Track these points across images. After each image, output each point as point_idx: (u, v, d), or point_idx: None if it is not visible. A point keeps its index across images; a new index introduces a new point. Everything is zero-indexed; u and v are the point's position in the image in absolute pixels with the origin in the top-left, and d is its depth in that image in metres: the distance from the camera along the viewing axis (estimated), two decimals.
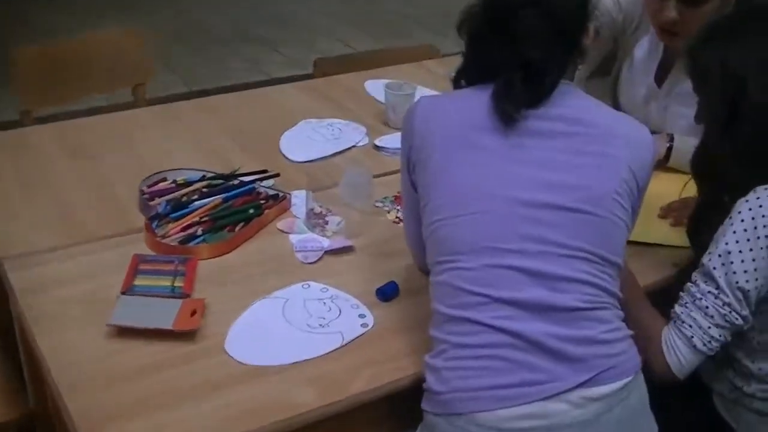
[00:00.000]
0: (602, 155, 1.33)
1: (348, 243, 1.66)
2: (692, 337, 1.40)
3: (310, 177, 1.84)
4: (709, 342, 1.40)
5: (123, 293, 1.47)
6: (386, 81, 2.28)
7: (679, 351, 1.41)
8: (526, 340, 1.24)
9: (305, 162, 2.00)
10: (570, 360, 1.24)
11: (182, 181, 1.82)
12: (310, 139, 2.11)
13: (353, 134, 2.14)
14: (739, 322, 1.40)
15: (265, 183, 1.83)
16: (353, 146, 2.09)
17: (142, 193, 1.77)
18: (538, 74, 1.33)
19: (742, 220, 1.40)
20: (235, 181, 1.81)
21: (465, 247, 1.29)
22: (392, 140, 2.09)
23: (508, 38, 1.34)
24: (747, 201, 1.42)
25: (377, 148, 2.08)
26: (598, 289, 1.29)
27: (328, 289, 1.54)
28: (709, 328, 1.40)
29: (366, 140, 2.12)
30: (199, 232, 1.64)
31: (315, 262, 1.62)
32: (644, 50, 2.17)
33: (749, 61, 1.45)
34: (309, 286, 1.55)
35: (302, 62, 4.68)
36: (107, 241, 1.65)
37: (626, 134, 1.36)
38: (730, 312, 1.39)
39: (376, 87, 2.43)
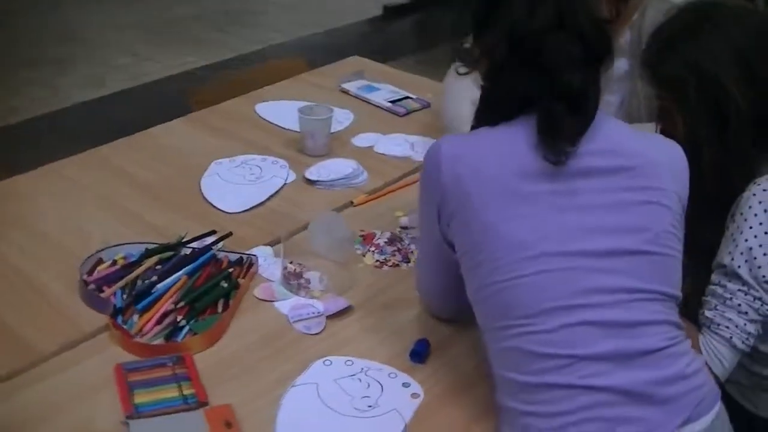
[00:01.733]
0: (651, 189, 1.23)
1: (345, 303, 1.49)
2: (731, 337, 1.38)
3: (285, 239, 1.63)
4: (747, 338, 1.39)
5: (129, 418, 1.22)
6: (277, 102, 2.14)
7: (720, 354, 1.39)
8: (618, 392, 1.14)
9: (243, 212, 1.78)
10: (663, 402, 1.16)
11: (121, 259, 1.56)
12: (231, 183, 1.89)
13: (275, 170, 1.94)
14: None
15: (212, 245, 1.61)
16: (284, 184, 1.89)
17: (86, 283, 1.49)
18: (580, 103, 1.21)
19: (756, 215, 1.40)
20: (185, 250, 1.57)
21: (533, 309, 1.16)
22: (323, 170, 1.92)
23: (539, 67, 1.21)
24: (754, 195, 1.41)
25: (310, 182, 1.90)
26: (671, 325, 1.21)
27: (353, 362, 1.37)
28: (746, 324, 1.38)
29: (292, 175, 1.92)
30: (183, 322, 1.40)
31: (321, 332, 1.43)
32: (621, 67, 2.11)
33: (718, 58, 1.44)
34: (331, 362, 1.37)
35: (98, 79, 4.35)
36: (70, 355, 1.37)
37: (668, 161, 1.27)
38: (762, 305, 1.39)
39: (268, 110, 2.25)
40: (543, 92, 1.20)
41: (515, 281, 1.17)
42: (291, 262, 1.56)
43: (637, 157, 1.24)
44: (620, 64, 1.94)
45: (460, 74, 1.44)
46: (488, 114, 1.28)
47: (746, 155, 1.46)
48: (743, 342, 1.38)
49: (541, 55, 1.20)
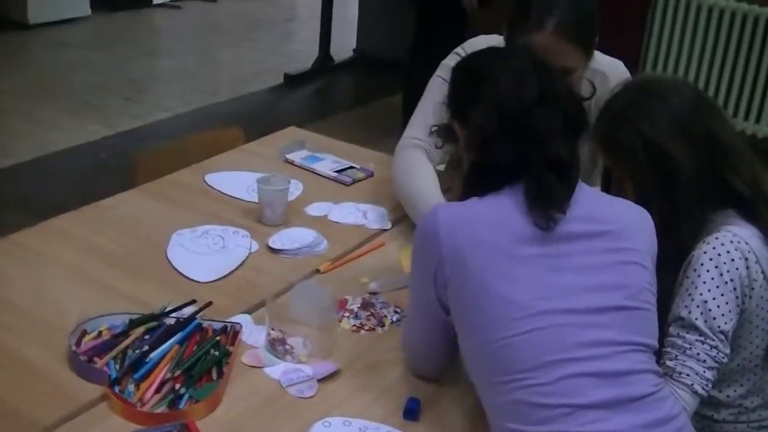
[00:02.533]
0: (628, 250, 1.38)
1: (333, 366, 1.56)
2: (692, 384, 1.51)
3: (269, 307, 1.69)
4: (707, 385, 1.53)
5: None
6: (227, 173, 2.20)
7: (683, 401, 1.51)
8: None
9: (214, 281, 1.83)
10: None
11: (106, 330, 1.59)
12: (197, 253, 1.93)
13: (238, 240, 2.00)
14: (725, 359, 1.55)
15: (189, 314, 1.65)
16: (249, 253, 1.95)
17: (76, 354, 1.51)
18: (568, 173, 1.35)
19: (708, 270, 1.55)
20: (169, 320, 1.62)
21: (531, 364, 1.28)
22: (285, 239, 1.99)
23: (527, 139, 1.34)
24: (705, 252, 1.57)
25: (273, 250, 1.96)
26: (653, 373, 1.35)
27: (350, 422, 1.44)
28: (704, 372, 1.52)
29: (255, 244, 1.99)
30: (182, 390, 1.44)
31: (314, 395, 1.50)
32: None
33: (660, 125, 1.63)
34: (330, 424, 1.43)
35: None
36: (70, 427, 1.39)
37: (639, 224, 1.44)
38: (718, 353, 1.53)
39: (219, 181, 2.30)
40: (533, 162, 1.33)
41: (512, 339, 1.28)
42: (273, 329, 1.62)
43: (613, 222, 1.39)
44: None
45: (438, 147, 1.57)
46: (478, 184, 1.39)
47: (693, 214, 1.62)
48: (703, 388, 1.52)
49: (529, 127, 1.34)
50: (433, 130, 1.64)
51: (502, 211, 1.35)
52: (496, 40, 2.21)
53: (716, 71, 4.89)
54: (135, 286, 1.77)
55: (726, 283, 1.56)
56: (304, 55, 6.40)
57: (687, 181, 1.62)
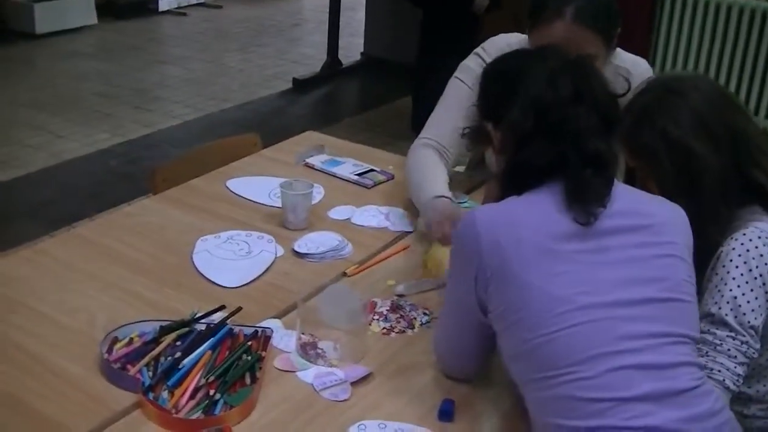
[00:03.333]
0: (666, 244, 1.38)
1: (365, 370, 1.56)
2: (724, 380, 1.51)
3: (299, 311, 1.68)
4: (737, 380, 1.52)
5: None
6: (248, 178, 2.19)
7: None
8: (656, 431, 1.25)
9: (241, 286, 1.83)
10: None
11: (136, 338, 1.59)
12: (223, 259, 1.93)
13: (263, 245, 2.00)
14: (756, 354, 1.55)
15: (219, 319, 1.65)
16: (275, 258, 1.94)
17: (108, 362, 1.51)
18: (605, 168, 1.35)
19: (737, 266, 1.55)
20: (199, 326, 1.61)
21: (575, 358, 1.28)
22: (311, 243, 1.99)
23: (564, 136, 1.34)
24: (733, 249, 1.57)
25: (299, 255, 1.96)
26: (696, 366, 1.34)
27: (386, 425, 1.43)
28: (735, 367, 1.52)
29: (280, 249, 1.98)
30: (217, 395, 1.44)
31: (348, 398, 1.49)
32: None
33: (682, 123, 1.63)
34: (365, 427, 1.43)
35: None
36: None
37: (674, 219, 1.44)
38: (749, 348, 1.53)
39: (241, 186, 2.30)
40: (570, 159, 1.33)
41: (556, 334, 1.28)
42: (303, 333, 1.62)
43: (651, 216, 1.39)
44: None
45: (468, 150, 1.57)
46: (515, 184, 1.40)
47: (719, 211, 1.62)
48: (734, 383, 1.51)
49: (566, 124, 1.34)
50: (464, 132, 1.64)
51: (541, 208, 1.35)
52: (516, 38, 2.21)
53: (725, 68, 4.89)
54: (162, 294, 1.77)
55: (755, 278, 1.56)
56: (312, 59, 6.41)
57: (712, 180, 1.61)
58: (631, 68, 2.10)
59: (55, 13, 6.82)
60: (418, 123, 5.08)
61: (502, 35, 2.26)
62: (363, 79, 6.42)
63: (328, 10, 6.09)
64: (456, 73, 2.27)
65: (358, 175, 2.39)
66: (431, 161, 2.16)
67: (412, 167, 2.17)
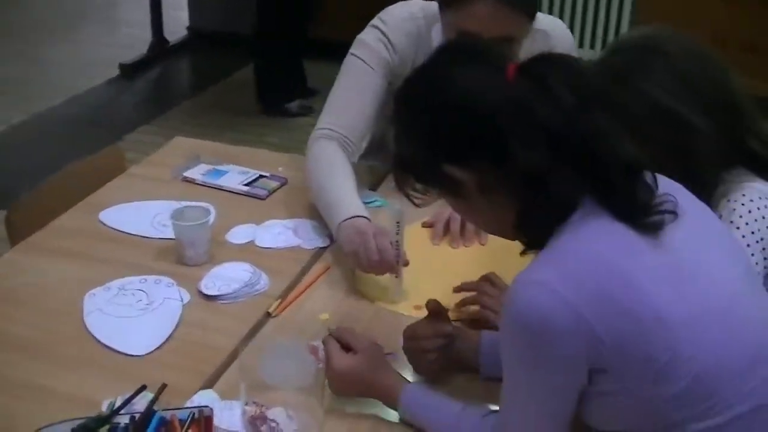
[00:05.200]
0: (720, 232, 1.28)
1: None
2: None
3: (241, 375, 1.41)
4: None
5: None
6: (124, 206, 1.92)
7: None
8: None
9: (152, 352, 1.54)
10: None
11: None
12: (119, 318, 1.63)
13: (163, 291, 1.71)
14: None
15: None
16: (182, 307, 1.66)
17: None
18: (640, 166, 1.16)
19: (738, 228, 1.45)
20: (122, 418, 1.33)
21: (726, 375, 1.12)
22: (218, 281, 1.72)
23: (586, 156, 1.13)
24: (734, 210, 1.46)
25: (209, 297, 1.68)
26: None
27: None
28: None
29: (185, 293, 1.70)
30: None
31: None
32: None
33: (668, 88, 1.45)
34: None
35: None
36: None
37: (703, 205, 1.29)
38: None
39: (116, 218, 1.98)
40: (612, 175, 1.13)
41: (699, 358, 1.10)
42: (247, 404, 1.36)
43: (690, 204, 1.24)
44: None
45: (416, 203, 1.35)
46: (543, 224, 1.16)
47: (707, 179, 1.46)
48: None
49: (590, 140, 1.12)
50: (408, 187, 1.32)
51: (600, 241, 1.12)
52: (418, 6, 2.00)
53: None
54: (61, 379, 1.46)
55: (757, 242, 1.44)
56: (137, 40, 5.93)
57: (706, 150, 1.46)
58: (549, 30, 1.92)
59: None
60: (264, 94, 4.85)
61: (400, 3, 2.04)
62: (194, 55, 6.01)
63: None
64: (352, 49, 2.02)
65: (248, 184, 2.11)
66: (335, 162, 1.92)
67: (313, 171, 1.92)
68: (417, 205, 1.38)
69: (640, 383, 1.11)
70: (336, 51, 5.09)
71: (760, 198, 1.45)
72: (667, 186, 1.22)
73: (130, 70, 5.56)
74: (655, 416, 1.13)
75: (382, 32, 1.97)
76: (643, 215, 1.12)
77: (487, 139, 1.14)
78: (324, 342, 1.42)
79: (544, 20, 1.91)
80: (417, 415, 1.35)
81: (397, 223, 1.64)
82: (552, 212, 1.14)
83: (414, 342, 1.47)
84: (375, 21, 2.02)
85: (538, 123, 1.11)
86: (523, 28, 1.74)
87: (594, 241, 1.12)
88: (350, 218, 1.73)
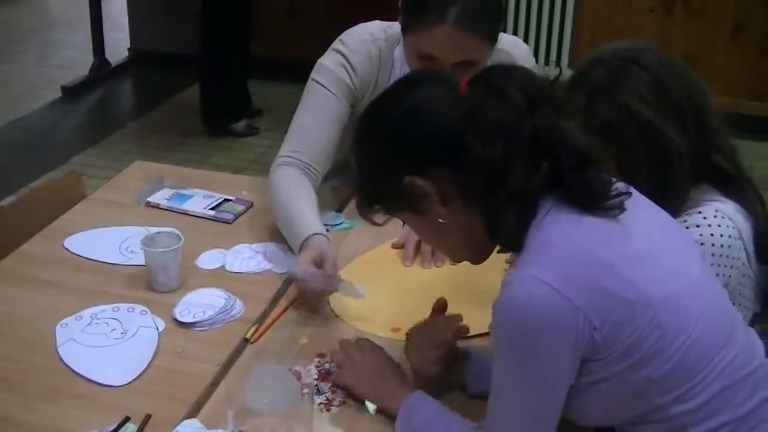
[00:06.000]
0: (674, 224, 1.35)
1: None
2: None
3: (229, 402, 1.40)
4: None
5: None
6: (89, 232, 1.91)
7: None
8: None
9: (132, 381, 1.52)
10: None
11: None
12: (93, 347, 1.60)
13: (137, 319, 1.68)
14: None
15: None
16: (158, 335, 1.64)
17: None
18: (592, 162, 1.22)
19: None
20: None
21: (717, 344, 1.21)
22: (193, 307, 1.70)
23: (545, 147, 1.19)
24: (701, 235, 1.50)
25: (186, 324, 1.67)
26: None
27: None
28: None
29: (159, 322, 1.68)
30: None
31: None
32: None
33: (645, 99, 1.50)
34: None
35: None
36: None
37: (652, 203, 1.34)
38: None
39: (82, 245, 1.95)
40: (563, 166, 1.18)
41: (696, 328, 1.19)
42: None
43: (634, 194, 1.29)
44: None
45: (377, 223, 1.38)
46: (511, 228, 1.20)
47: (679, 191, 1.51)
48: None
49: (543, 132, 1.18)
50: (370, 213, 1.37)
51: (577, 233, 1.18)
52: (378, 27, 2.03)
53: None
54: (40, 412, 1.43)
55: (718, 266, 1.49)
56: (77, 62, 5.84)
57: (680, 162, 1.50)
58: (509, 48, 1.95)
59: None
60: (210, 115, 4.83)
61: (360, 25, 2.05)
62: (137, 77, 5.94)
63: (78, 7, 5.50)
64: (313, 74, 2.03)
65: (213, 209, 2.10)
66: (294, 187, 1.92)
67: (275, 197, 1.94)
68: (379, 224, 1.43)
69: (629, 367, 1.16)
70: (277, 70, 5.17)
71: (714, 216, 1.50)
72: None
73: (72, 93, 5.48)
74: (640, 402, 1.18)
75: (343, 55, 1.98)
76: (603, 200, 1.18)
77: (444, 143, 1.20)
78: (341, 344, 1.49)
79: (505, 40, 1.93)
80: (413, 419, 1.34)
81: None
82: (518, 211, 1.18)
83: (421, 336, 1.47)
84: (335, 44, 2.03)
85: (491, 122, 1.17)
86: (484, 51, 1.77)
87: (568, 234, 1.17)
88: (310, 236, 1.74)
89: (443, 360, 1.44)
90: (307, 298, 1.70)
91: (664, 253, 1.23)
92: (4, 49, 6.38)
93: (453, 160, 1.19)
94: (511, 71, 1.25)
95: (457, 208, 1.23)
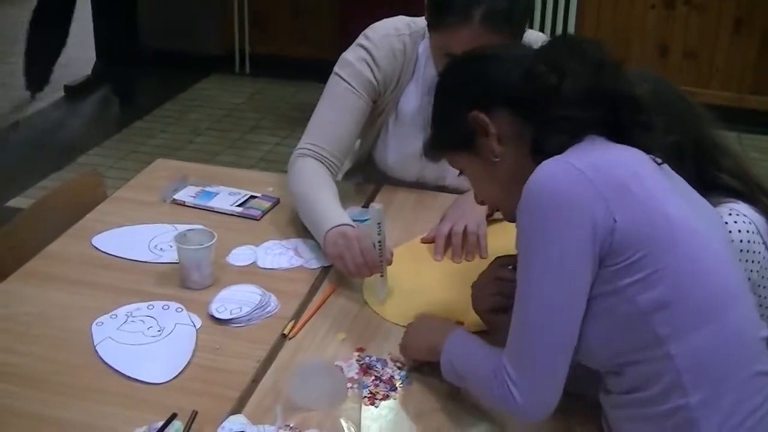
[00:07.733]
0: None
1: None
2: None
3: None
4: None
5: None
6: (115, 231, 1.89)
7: None
8: None
9: (175, 378, 1.51)
10: None
11: None
12: (131, 345, 1.59)
13: (173, 317, 1.67)
14: None
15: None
16: (196, 332, 1.63)
17: None
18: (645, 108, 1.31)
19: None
20: None
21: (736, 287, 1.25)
22: (229, 304, 1.69)
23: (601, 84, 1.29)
24: None
25: (221, 321, 1.66)
26: None
27: None
28: None
29: (196, 319, 1.67)
30: None
31: None
32: (413, 102, 2.06)
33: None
34: None
35: None
36: None
37: None
38: None
39: (109, 243, 1.93)
40: (621, 104, 1.27)
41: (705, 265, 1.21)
42: (281, 427, 1.35)
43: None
44: None
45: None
46: (553, 144, 1.26)
47: None
48: None
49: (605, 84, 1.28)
50: (438, 145, 1.47)
51: (619, 151, 1.26)
52: (402, 22, 2.03)
53: None
54: (82, 411, 1.42)
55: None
56: (77, 60, 5.79)
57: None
58: (533, 43, 1.93)
59: None
60: None
61: (385, 20, 2.05)
62: (140, 75, 5.89)
63: (78, 6, 5.45)
64: (336, 68, 2.03)
65: (240, 205, 2.09)
66: (316, 176, 1.92)
67: (295, 188, 1.94)
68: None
69: (638, 283, 1.17)
70: (281, 68, 5.17)
71: (729, 214, 1.53)
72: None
73: (75, 92, 5.45)
74: (641, 331, 1.18)
75: (366, 50, 1.98)
76: (650, 141, 1.26)
77: (515, 78, 1.30)
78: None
79: (530, 35, 1.93)
80: (456, 356, 1.38)
81: (378, 223, 1.66)
82: (566, 133, 1.24)
83: (482, 280, 1.55)
84: (360, 38, 2.03)
85: (559, 61, 1.27)
86: None
87: (609, 148, 1.25)
88: (335, 227, 1.73)
89: (505, 293, 1.44)
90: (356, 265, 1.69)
91: (695, 208, 1.28)
92: (6, 49, 6.34)
93: (518, 101, 1.30)
94: (584, 41, 1.35)
95: (510, 151, 1.32)
